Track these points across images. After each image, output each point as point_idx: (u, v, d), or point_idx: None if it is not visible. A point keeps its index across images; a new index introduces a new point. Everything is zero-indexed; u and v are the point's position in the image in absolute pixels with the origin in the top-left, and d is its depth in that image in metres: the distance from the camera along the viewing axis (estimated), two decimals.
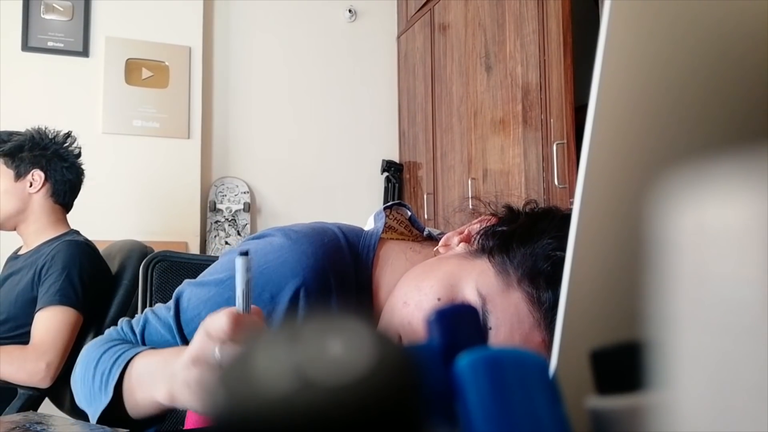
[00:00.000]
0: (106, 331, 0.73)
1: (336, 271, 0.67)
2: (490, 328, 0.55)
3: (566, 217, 0.61)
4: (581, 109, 2.02)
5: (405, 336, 0.60)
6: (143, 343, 0.68)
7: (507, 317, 0.55)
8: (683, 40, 0.27)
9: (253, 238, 0.72)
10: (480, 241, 0.63)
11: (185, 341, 0.67)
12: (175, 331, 0.67)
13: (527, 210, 0.64)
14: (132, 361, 0.62)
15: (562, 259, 0.56)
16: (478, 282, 0.58)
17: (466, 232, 0.66)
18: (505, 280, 0.57)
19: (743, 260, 0.15)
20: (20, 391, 1.48)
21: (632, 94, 0.28)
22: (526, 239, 0.59)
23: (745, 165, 0.15)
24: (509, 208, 0.66)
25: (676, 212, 0.16)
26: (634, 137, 0.28)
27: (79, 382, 0.68)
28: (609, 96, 0.27)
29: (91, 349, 0.69)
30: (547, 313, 0.54)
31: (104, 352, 0.66)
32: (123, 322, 0.72)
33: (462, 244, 0.65)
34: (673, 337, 0.17)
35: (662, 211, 0.17)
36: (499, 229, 0.62)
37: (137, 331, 0.70)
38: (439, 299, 0.59)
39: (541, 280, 0.55)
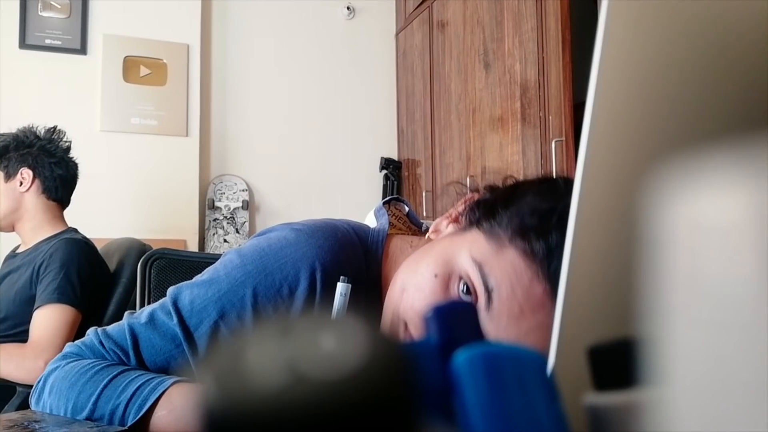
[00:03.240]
0: (75, 347, 0.67)
1: (351, 265, 0.67)
2: (492, 289, 0.56)
3: (543, 179, 0.63)
4: (580, 107, 2.02)
5: (410, 321, 0.60)
6: (138, 360, 0.65)
7: (505, 275, 0.56)
8: (680, 37, 0.27)
9: (261, 235, 0.71)
10: (467, 216, 0.64)
11: (194, 348, 0.65)
12: (182, 338, 0.64)
13: (506, 182, 0.66)
14: (168, 393, 0.59)
15: (547, 210, 0.57)
16: (471, 250, 0.59)
17: (453, 214, 0.67)
18: (496, 242, 0.58)
19: (737, 255, 0.15)
20: (19, 389, 1.48)
21: (630, 91, 0.28)
22: (509, 202, 0.60)
23: (739, 160, 0.15)
24: (488, 185, 0.67)
25: (672, 209, 0.16)
26: (633, 134, 0.28)
27: (58, 408, 0.62)
28: (607, 93, 0.27)
29: (71, 371, 0.63)
30: (542, 263, 0.55)
31: (112, 377, 0.61)
32: (94, 336, 0.67)
33: (451, 226, 0.66)
34: (669, 333, 0.17)
35: (659, 208, 0.17)
36: (482, 199, 0.63)
37: (126, 346, 0.65)
38: (436, 275, 0.59)
39: (530, 233, 0.56)
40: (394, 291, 0.63)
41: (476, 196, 0.65)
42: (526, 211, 0.58)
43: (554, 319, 0.55)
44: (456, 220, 0.66)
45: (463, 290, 0.58)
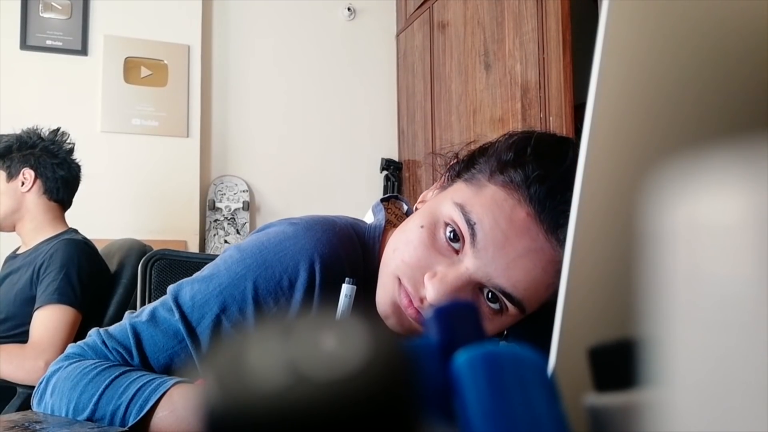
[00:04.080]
0: (78, 347, 0.67)
1: (348, 258, 0.68)
2: (474, 223, 0.58)
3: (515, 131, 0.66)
4: (580, 107, 2.01)
5: (402, 275, 0.62)
6: (141, 358, 0.65)
7: (486, 208, 0.58)
8: (681, 37, 0.27)
9: (260, 231, 0.71)
10: (448, 175, 0.67)
11: (197, 343, 0.65)
12: (185, 334, 0.64)
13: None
14: (169, 394, 0.59)
15: (521, 144, 0.60)
16: (453, 197, 0.61)
17: (438, 183, 0.69)
18: (476, 185, 0.60)
19: (738, 255, 0.15)
20: (19, 389, 1.48)
21: (631, 92, 0.28)
22: (486, 150, 0.64)
23: (740, 160, 0.15)
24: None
25: (672, 209, 0.16)
26: (633, 135, 0.28)
27: (60, 408, 0.62)
28: (607, 94, 0.27)
29: (73, 371, 0.63)
30: (522, 188, 0.57)
31: (113, 378, 0.61)
32: (96, 336, 0.67)
33: (436, 190, 0.68)
34: (670, 334, 0.17)
35: (659, 208, 0.17)
36: (461, 157, 0.67)
37: (129, 345, 0.65)
38: (422, 226, 0.61)
39: (508, 167, 0.59)
40: (387, 252, 0.65)
41: (456, 160, 0.68)
42: (502, 149, 0.61)
43: (542, 244, 0.57)
44: (440, 187, 0.68)
45: (449, 236, 0.60)
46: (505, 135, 0.64)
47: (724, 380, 0.15)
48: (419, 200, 0.70)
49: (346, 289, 0.63)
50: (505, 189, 0.58)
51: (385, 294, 0.64)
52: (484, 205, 0.58)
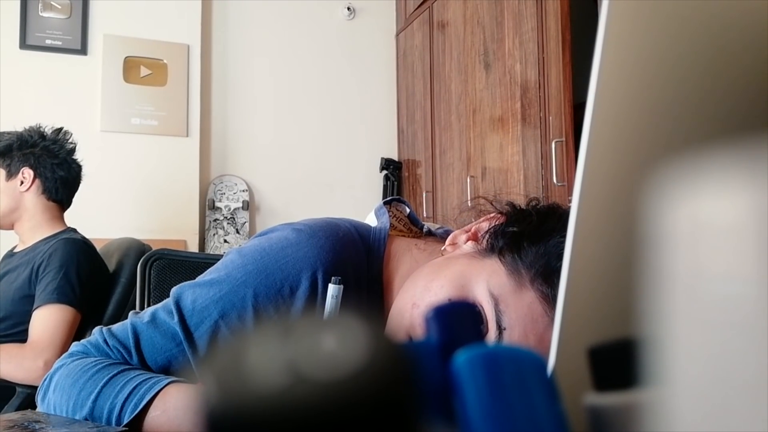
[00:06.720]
0: (81, 346, 0.67)
1: (352, 264, 0.66)
2: (504, 329, 0.55)
3: None
4: (580, 107, 2.02)
5: (416, 338, 0.59)
6: (140, 358, 0.65)
7: (521, 317, 0.55)
8: (680, 37, 0.27)
9: (262, 235, 0.71)
10: (489, 240, 0.62)
11: (194, 347, 0.65)
12: (182, 337, 0.64)
13: (531, 208, 0.64)
14: (163, 393, 0.59)
15: None
16: (489, 282, 0.57)
17: (473, 230, 0.65)
18: (517, 280, 0.56)
19: (739, 256, 0.15)
20: (19, 389, 1.48)
21: (631, 91, 0.28)
22: (536, 238, 0.58)
23: (741, 160, 0.15)
24: (513, 206, 0.65)
25: (672, 209, 0.16)
26: (633, 134, 0.28)
27: (60, 405, 0.63)
28: (607, 93, 0.27)
29: (75, 369, 0.63)
30: None
31: (111, 376, 0.61)
32: (98, 334, 0.67)
33: (470, 243, 0.65)
34: (670, 334, 0.17)
35: (660, 208, 0.17)
36: (509, 229, 0.61)
37: (129, 344, 0.65)
38: (450, 300, 0.57)
39: (555, 278, 0.54)
40: (405, 303, 0.62)
41: (501, 219, 0.63)
42: (553, 253, 0.56)
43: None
44: (475, 239, 0.65)
45: None
46: (562, 225, 0.58)
47: (724, 380, 0.15)
48: (449, 242, 0.67)
49: (332, 290, 0.62)
50: (544, 303, 0.55)
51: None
52: (519, 313, 0.55)
